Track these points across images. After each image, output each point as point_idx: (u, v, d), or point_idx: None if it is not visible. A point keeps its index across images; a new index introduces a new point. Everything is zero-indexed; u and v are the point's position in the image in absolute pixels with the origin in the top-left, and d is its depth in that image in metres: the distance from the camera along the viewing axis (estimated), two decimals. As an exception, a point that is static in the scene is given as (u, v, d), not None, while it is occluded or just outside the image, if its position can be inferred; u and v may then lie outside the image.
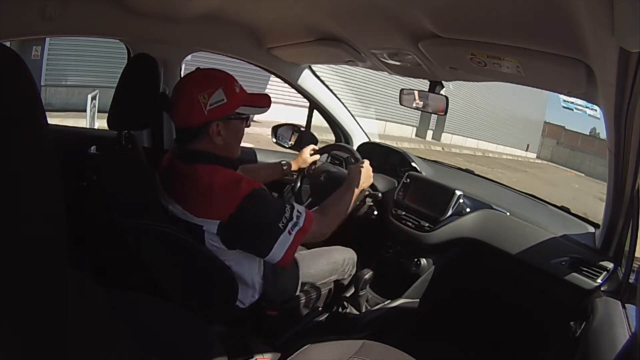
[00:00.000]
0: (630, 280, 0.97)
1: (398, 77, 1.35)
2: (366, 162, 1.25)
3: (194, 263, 0.92)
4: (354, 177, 1.18)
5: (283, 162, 1.44)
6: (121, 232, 0.90)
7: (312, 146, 1.50)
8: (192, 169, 0.92)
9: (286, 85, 1.67)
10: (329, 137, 1.93)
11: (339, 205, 1.10)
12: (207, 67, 0.97)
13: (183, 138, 0.96)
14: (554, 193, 8.46)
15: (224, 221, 0.88)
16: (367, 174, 1.22)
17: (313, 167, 1.54)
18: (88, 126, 4.37)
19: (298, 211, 0.95)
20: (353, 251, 1.39)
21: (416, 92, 1.39)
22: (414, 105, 1.41)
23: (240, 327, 0.96)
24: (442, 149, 12.12)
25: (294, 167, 1.45)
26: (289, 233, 0.91)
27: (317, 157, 1.48)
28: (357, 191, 1.17)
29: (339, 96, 1.76)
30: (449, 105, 1.28)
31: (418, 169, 1.54)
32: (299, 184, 1.52)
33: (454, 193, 1.34)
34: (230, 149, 0.98)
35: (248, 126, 1.02)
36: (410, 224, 1.39)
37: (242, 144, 1.06)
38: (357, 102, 6.54)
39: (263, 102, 1.01)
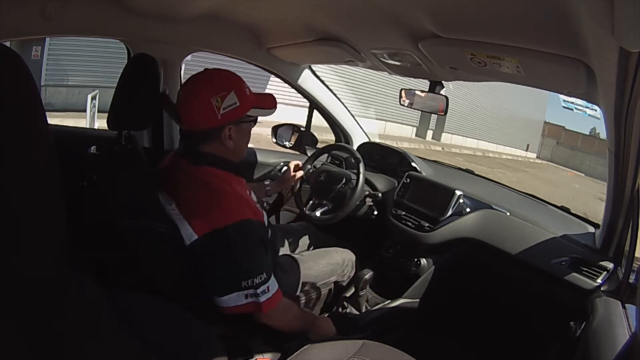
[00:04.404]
0: (630, 280, 0.97)
1: (398, 77, 1.35)
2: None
3: (194, 263, 0.92)
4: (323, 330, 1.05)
5: (266, 183, 1.39)
6: (121, 232, 0.89)
7: (295, 163, 1.46)
8: (202, 171, 0.91)
9: (286, 85, 1.67)
10: (329, 137, 1.93)
11: (299, 323, 1.01)
12: (215, 68, 0.94)
13: (192, 140, 0.94)
14: (554, 193, 8.46)
15: (202, 235, 0.87)
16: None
17: (312, 170, 1.54)
18: (88, 126, 4.38)
19: (267, 287, 0.89)
20: (352, 252, 1.39)
21: (416, 92, 1.39)
22: (414, 105, 1.41)
23: (240, 327, 0.96)
24: (442, 149, 12.11)
25: (277, 188, 1.41)
26: (245, 297, 0.87)
27: (300, 173, 1.44)
28: (317, 331, 1.03)
29: (339, 96, 1.76)
30: (449, 105, 1.28)
31: (418, 169, 1.54)
32: (298, 185, 1.52)
33: (454, 193, 1.34)
34: (239, 153, 0.97)
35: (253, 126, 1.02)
36: (410, 224, 1.39)
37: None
38: (357, 102, 6.54)
39: (271, 103, 1.00)
